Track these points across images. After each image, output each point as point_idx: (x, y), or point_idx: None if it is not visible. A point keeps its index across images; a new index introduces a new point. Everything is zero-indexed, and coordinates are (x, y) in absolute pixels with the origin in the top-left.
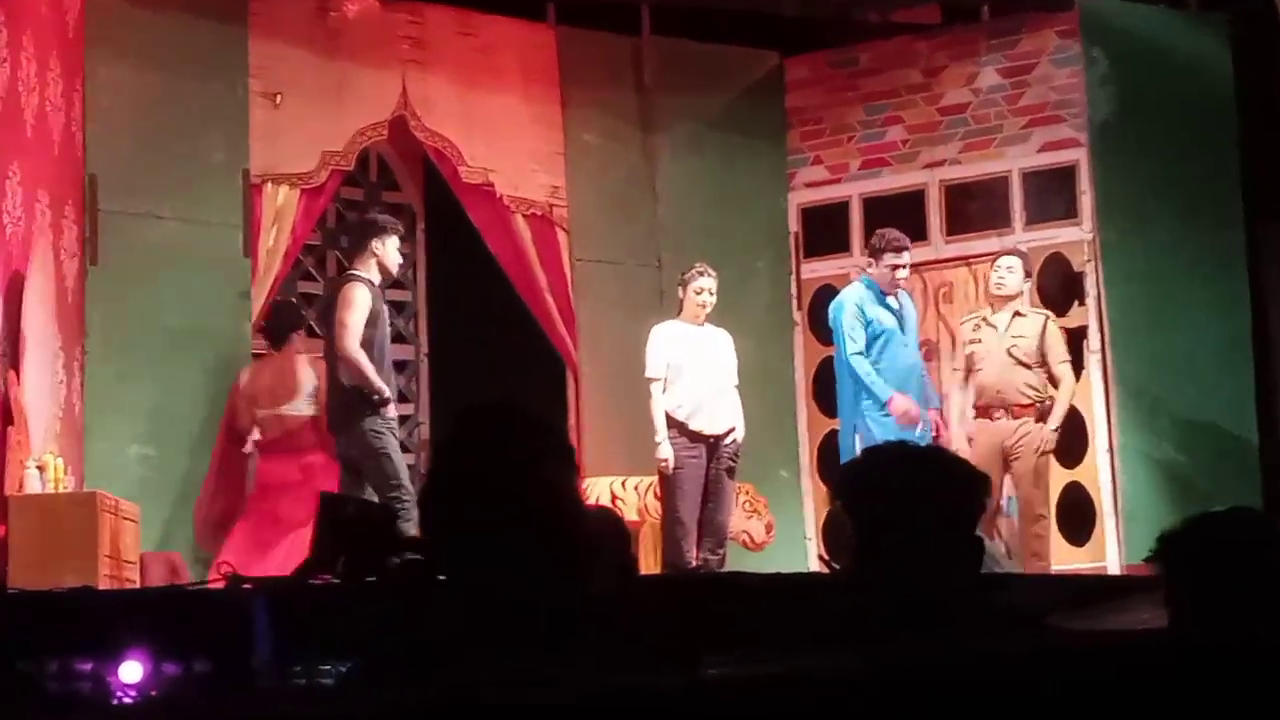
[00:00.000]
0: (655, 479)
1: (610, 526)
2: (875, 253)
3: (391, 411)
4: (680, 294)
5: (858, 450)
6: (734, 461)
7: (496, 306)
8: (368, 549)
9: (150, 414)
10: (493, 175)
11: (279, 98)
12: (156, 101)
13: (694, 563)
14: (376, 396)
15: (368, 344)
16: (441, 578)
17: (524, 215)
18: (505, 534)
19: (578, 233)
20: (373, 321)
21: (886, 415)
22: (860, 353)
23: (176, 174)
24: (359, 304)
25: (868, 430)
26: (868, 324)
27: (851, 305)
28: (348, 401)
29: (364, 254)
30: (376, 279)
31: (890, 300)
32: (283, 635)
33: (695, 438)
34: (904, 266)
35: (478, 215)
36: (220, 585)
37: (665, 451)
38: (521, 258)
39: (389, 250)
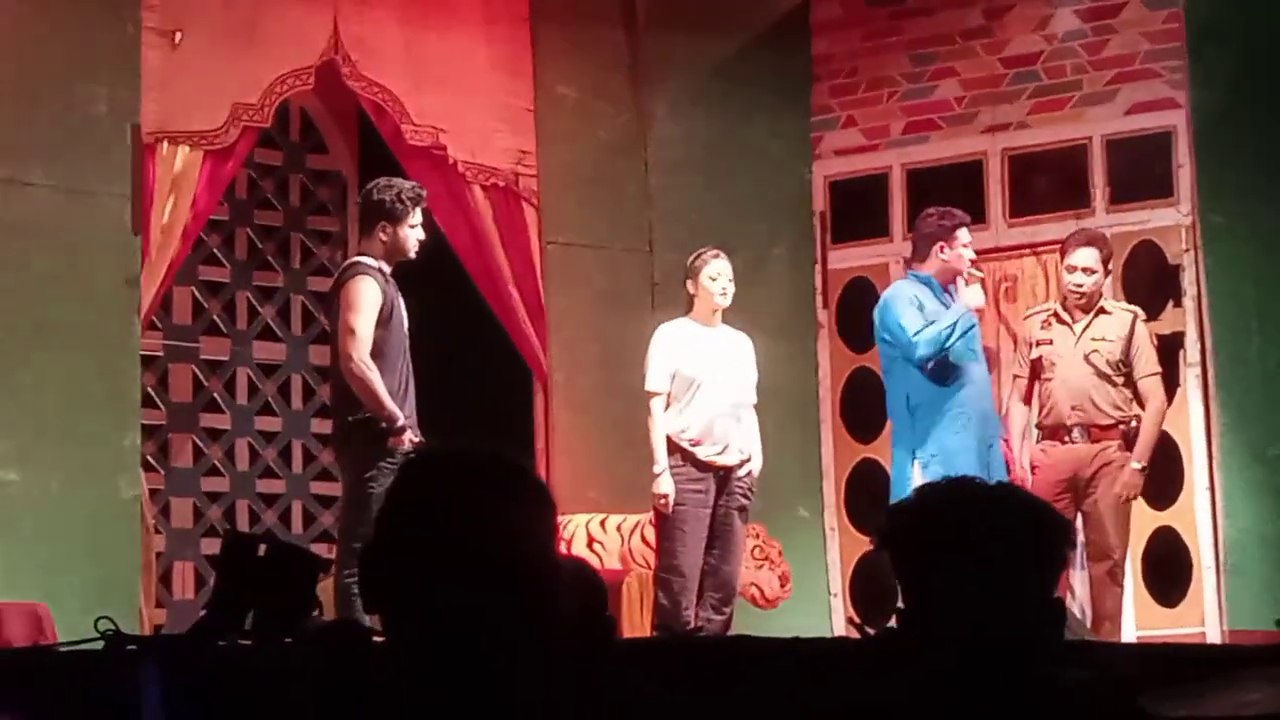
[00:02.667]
0: (644, 518)
1: (582, 581)
2: (933, 239)
3: (405, 443)
4: (690, 287)
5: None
6: (748, 499)
7: (447, 300)
8: (282, 603)
9: (12, 429)
10: (444, 136)
11: (178, 36)
12: (24, 40)
13: (692, 623)
14: (385, 424)
15: (377, 353)
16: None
17: (483, 186)
18: (463, 603)
19: (550, 209)
20: (384, 321)
21: (958, 432)
22: (920, 330)
23: (49, 130)
24: (367, 302)
25: (928, 457)
26: (921, 312)
27: (905, 296)
28: (353, 421)
29: (370, 237)
30: (386, 265)
31: (948, 298)
32: (178, 709)
33: (703, 468)
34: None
35: (426, 186)
36: (98, 645)
37: (666, 485)
38: (479, 239)
39: (401, 234)
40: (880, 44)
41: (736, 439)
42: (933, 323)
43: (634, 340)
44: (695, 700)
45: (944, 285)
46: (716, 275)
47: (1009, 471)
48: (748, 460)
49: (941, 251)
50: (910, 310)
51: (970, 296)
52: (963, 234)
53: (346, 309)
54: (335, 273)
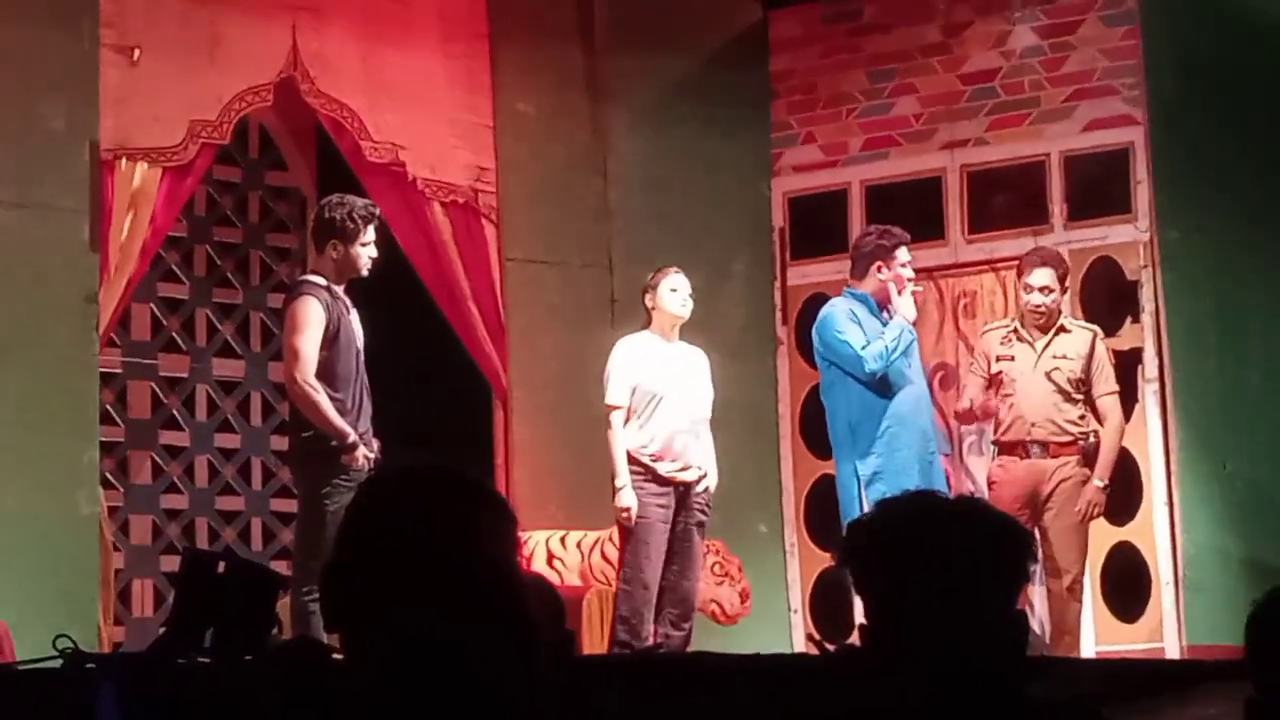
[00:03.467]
0: (604, 534)
1: (540, 597)
2: (872, 257)
3: (358, 460)
4: (648, 300)
5: (863, 504)
6: (705, 515)
7: (406, 316)
8: (242, 621)
9: None
10: (403, 153)
11: (137, 53)
12: None
13: (652, 639)
14: (337, 442)
15: (326, 371)
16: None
17: (442, 203)
18: (431, 618)
19: (509, 225)
20: (330, 340)
21: (898, 449)
22: (865, 346)
23: (7, 147)
24: (309, 322)
25: (871, 474)
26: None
27: (843, 313)
28: (305, 438)
29: (322, 254)
30: (336, 282)
31: (885, 316)
32: None
33: (664, 483)
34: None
35: (384, 202)
36: (57, 664)
37: (628, 499)
38: (438, 256)
39: (352, 252)
40: (838, 61)
41: (696, 454)
42: (870, 341)
43: (593, 356)
44: (656, 717)
45: (881, 305)
46: (676, 287)
47: (949, 485)
48: (705, 476)
49: (879, 271)
50: (851, 326)
51: (905, 307)
52: (901, 253)
53: (289, 330)
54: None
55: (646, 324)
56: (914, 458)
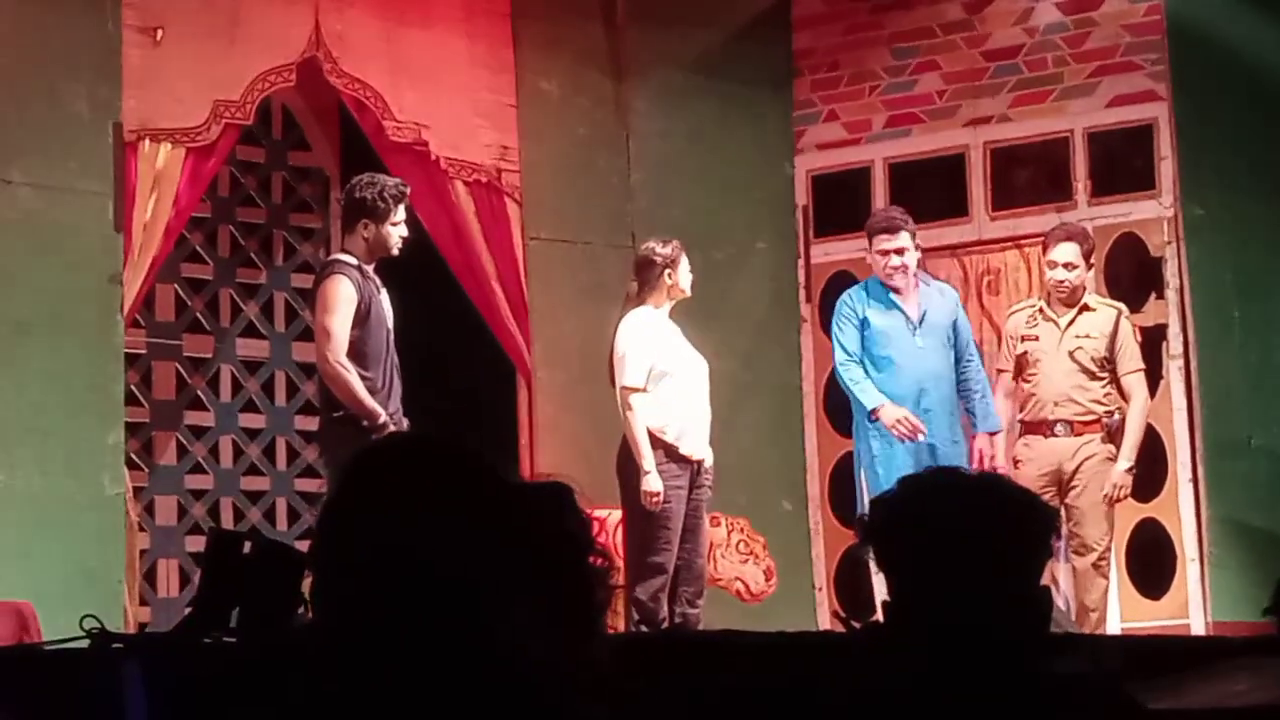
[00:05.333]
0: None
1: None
2: (869, 238)
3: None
4: (667, 278)
5: (858, 483)
6: (711, 490)
7: (430, 295)
8: (267, 600)
9: None
10: (426, 132)
11: (159, 33)
12: (4, 38)
13: (668, 619)
14: (367, 422)
15: (357, 351)
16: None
17: (465, 182)
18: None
19: (532, 204)
20: (361, 320)
21: (882, 432)
22: (846, 361)
23: (29, 128)
24: (341, 301)
25: (870, 458)
26: (861, 325)
27: (845, 315)
28: (335, 418)
29: (353, 233)
30: (367, 262)
31: (895, 297)
32: (161, 707)
33: (683, 463)
34: (896, 252)
35: (408, 181)
36: (84, 644)
37: (656, 483)
38: (462, 235)
39: (383, 231)
40: (861, 38)
41: (704, 432)
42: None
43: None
44: (684, 695)
45: (884, 285)
46: (688, 267)
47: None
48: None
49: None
50: (846, 325)
51: (886, 416)
52: (879, 240)
53: (321, 310)
54: (317, 269)
55: (650, 299)
56: (907, 443)
